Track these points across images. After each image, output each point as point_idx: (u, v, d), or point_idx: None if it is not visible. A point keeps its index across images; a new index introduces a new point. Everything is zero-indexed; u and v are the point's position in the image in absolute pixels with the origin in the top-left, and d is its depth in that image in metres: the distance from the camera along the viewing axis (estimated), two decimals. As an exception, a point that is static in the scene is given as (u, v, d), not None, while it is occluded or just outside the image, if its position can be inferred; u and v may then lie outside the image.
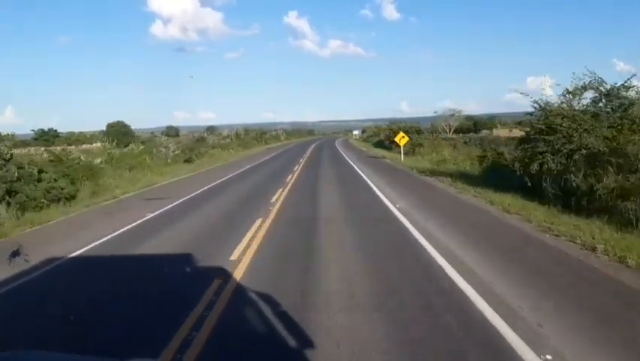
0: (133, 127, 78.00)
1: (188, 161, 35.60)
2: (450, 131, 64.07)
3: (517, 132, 15.29)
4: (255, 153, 42.74)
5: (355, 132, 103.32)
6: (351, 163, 25.41)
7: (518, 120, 14.75)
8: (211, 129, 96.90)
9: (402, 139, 27.67)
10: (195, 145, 58.44)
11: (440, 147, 32.88)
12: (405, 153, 31.78)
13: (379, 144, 50.41)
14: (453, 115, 67.73)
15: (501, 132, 65.32)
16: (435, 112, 66.83)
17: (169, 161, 36.52)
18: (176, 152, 43.31)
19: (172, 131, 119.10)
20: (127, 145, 41.76)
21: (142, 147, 38.94)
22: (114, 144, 62.66)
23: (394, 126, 44.80)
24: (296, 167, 23.44)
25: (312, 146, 56.13)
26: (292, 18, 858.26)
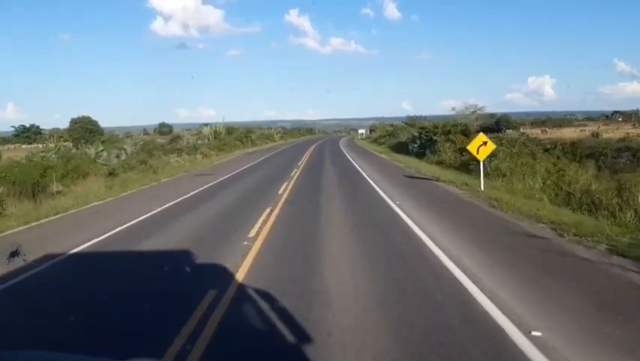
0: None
1: (112, 174, 23.55)
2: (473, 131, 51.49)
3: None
4: (224, 163, 29.71)
5: (361, 131, 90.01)
6: (389, 200, 11.82)
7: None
8: (206, 127, 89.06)
9: (482, 148, 14.06)
10: (166, 145, 46.45)
11: (519, 157, 19.62)
12: (468, 171, 18.91)
13: (400, 148, 37.28)
14: (474, 112, 54.45)
15: (534, 131, 52.60)
16: (453, 109, 53.88)
17: (108, 170, 25.24)
18: (123, 157, 31.04)
19: (165, 129, 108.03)
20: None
21: (101, 148, 31.58)
22: (59, 144, 49.92)
23: (427, 124, 31.76)
24: (265, 214, 10.33)
25: (310, 149, 42.88)
26: (293, 16, 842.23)
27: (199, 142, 49.77)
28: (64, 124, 70.01)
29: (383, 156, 32.23)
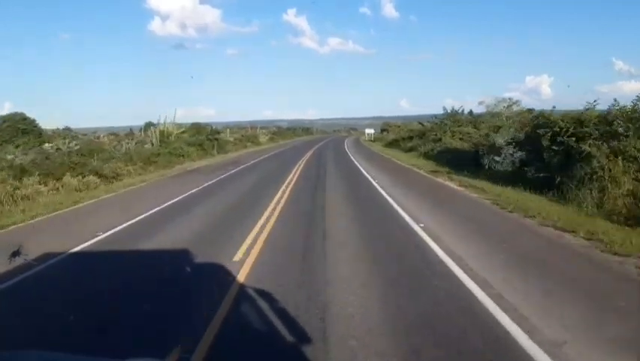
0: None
1: None
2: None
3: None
4: (55, 218, 12.62)
5: (369, 131, 73.43)
6: None
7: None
8: (196, 126, 75.17)
9: None
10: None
11: None
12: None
13: (457, 162, 20.96)
14: (509, 107, 38.15)
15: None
16: (480, 103, 37.76)
17: None
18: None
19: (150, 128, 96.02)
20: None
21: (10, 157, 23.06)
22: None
23: (559, 120, 15.38)
24: None
25: (302, 160, 26.47)
26: (291, 16, 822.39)
27: (146, 147, 33.56)
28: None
29: (450, 184, 15.51)
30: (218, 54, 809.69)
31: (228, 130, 60.01)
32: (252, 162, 27.21)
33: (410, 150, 34.56)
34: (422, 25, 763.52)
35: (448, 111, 37.24)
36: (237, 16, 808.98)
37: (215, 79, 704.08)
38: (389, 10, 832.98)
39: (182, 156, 29.12)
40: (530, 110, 50.77)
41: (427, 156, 27.42)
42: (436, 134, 30.54)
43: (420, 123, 40.36)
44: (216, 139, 36.99)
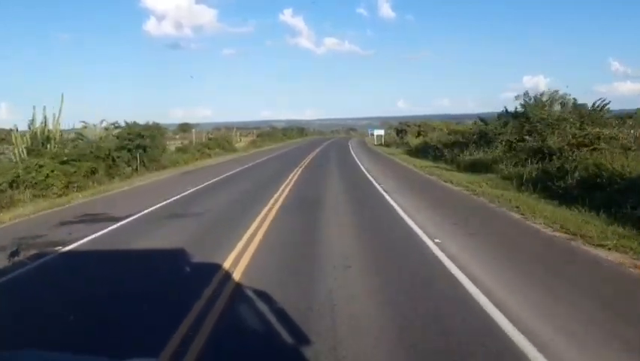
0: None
1: None
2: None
3: None
4: None
5: (378, 133, 58.53)
6: None
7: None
8: (185, 127, 65.08)
9: None
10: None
11: None
12: None
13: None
14: (550, 101, 23.35)
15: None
16: (516, 98, 23.22)
17: None
18: None
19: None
20: None
21: None
22: None
23: None
24: None
25: (264, 219, 11.47)
26: (288, 16, 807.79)
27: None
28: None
29: None
30: (214, 54, 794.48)
31: (194, 131, 45.07)
32: (139, 213, 11.19)
33: (472, 168, 19.66)
34: (419, 25, 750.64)
35: (531, 98, 22.31)
36: (234, 16, 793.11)
37: (212, 79, 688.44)
38: (386, 11, 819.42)
39: (33, 185, 14.16)
40: (579, 105, 34.43)
41: (542, 190, 12.58)
42: (543, 143, 15.63)
43: (481, 120, 25.40)
44: (143, 148, 21.91)
